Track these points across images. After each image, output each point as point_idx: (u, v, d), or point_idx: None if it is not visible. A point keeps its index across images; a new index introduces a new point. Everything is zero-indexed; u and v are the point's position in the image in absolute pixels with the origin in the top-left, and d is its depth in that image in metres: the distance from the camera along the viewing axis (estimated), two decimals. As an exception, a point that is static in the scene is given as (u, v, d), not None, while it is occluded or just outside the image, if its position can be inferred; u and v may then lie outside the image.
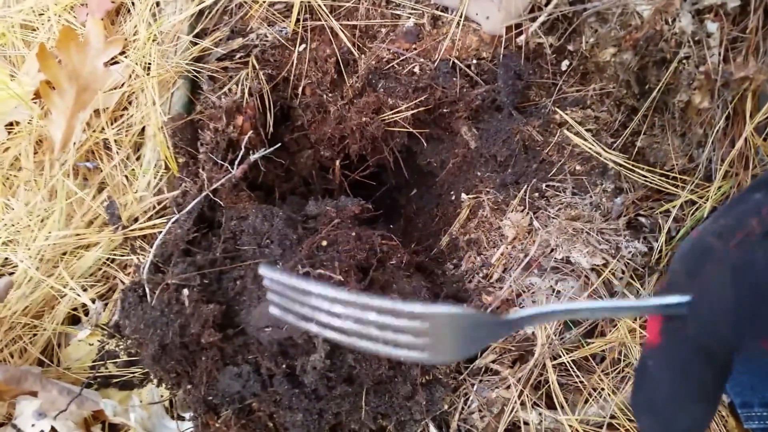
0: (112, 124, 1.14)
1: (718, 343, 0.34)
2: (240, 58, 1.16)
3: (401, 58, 1.14)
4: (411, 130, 1.18)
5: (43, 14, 1.23)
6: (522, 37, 1.08)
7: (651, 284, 1.02)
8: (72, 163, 1.11)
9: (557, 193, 1.09)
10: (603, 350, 1.00)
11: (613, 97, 1.09)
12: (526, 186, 1.10)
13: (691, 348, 0.35)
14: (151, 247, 0.93)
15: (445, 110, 1.18)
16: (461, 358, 0.44)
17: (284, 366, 0.84)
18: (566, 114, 1.11)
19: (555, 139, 1.10)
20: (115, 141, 1.12)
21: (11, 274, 1.08)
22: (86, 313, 1.08)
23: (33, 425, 0.96)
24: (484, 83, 1.15)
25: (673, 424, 0.36)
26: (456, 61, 1.13)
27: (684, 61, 1.00)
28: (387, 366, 0.88)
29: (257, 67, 1.15)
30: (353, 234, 0.93)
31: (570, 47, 1.10)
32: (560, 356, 0.98)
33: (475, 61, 1.13)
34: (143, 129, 1.13)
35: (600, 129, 1.11)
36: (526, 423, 0.96)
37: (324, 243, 0.92)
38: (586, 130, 1.09)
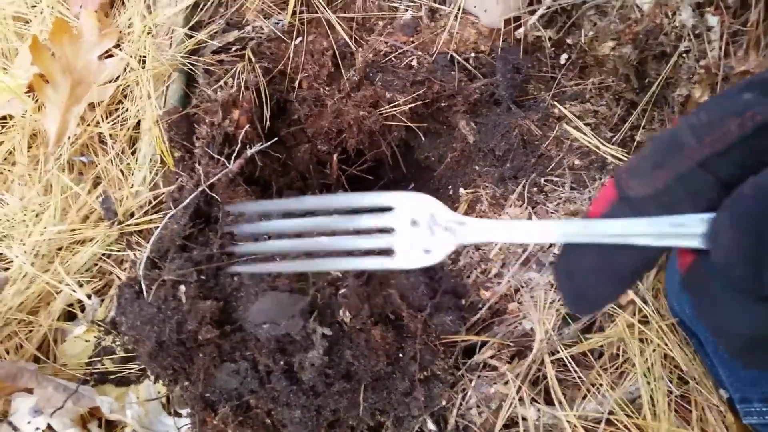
0: (107, 117, 1.13)
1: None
2: (236, 51, 1.15)
3: (399, 52, 1.13)
4: (409, 124, 1.18)
5: (35, 6, 1.22)
6: (521, 30, 1.07)
7: (649, 277, 1.02)
8: (67, 157, 1.10)
9: (556, 187, 1.08)
10: (601, 346, 1.00)
11: (613, 91, 1.08)
12: (524, 180, 1.10)
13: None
14: (148, 242, 0.92)
15: (443, 104, 1.17)
16: (428, 261, 0.42)
17: (282, 363, 0.84)
18: (565, 108, 1.10)
19: (554, 133, 1.09)
20: (110, 135, 1.11)
21: (6, 269, 1.07)
22: (82, 309, 1.07)
23: (29, 422, 0.96)
24: (483, 77, 1.14)
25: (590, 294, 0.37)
26: (454, 54, 1.12)
27: (684, 54, 0.99)
28: (385, 362, 0.87)
29: (253, 60, 1.14)
30: (351, 229, 0.92)
31: (569, 40, 1.09)
32: (558, 352, 0.98)
33: (473, 55, 1.12)
34: (138, 123, 1.12)
35: (599, 123, 1.10)
36: (524, 418, 0.95)
37: (322, 238, 0.91)
38: (585, 124, 1.08)
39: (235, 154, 1.02)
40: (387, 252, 0.42)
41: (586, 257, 0.37)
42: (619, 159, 1.06)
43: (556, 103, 1.11)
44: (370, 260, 0.43)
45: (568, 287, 0.39)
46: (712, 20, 0.95)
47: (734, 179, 0.31)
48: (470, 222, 0.40)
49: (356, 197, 0.43)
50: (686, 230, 0.33)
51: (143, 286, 0.87)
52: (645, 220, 0.34)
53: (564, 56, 1.11)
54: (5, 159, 1.14)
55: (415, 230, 0.42)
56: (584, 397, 0.97)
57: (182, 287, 0.85)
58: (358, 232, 0.44)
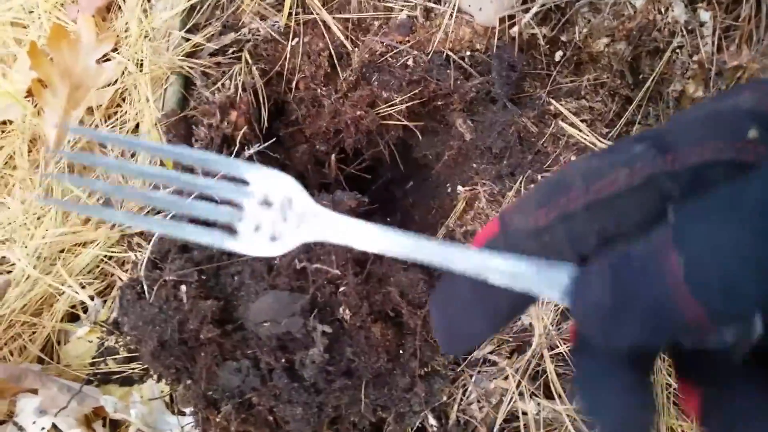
0: (105, 121, 1.14)
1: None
2: (233, 53, 1.16)
3: (395, 51, 1.14)
4: (406, 123, 1.19)
5: (33, 12, 1.23)
6: (515, 29, 1.08)
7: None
8: (67, 160, 1.11)
9: (552, 183, 1.09)
10: (599, 339, 1.00)
11: (607, 88, 1.09)
12: (521, 177, 1.11)
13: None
14: (149, 243, 0.93)
15: (439, 103, 1.18)
16: (272, 251, 0.35)
17: (283, 360, 0.85)
18: (561, 105, 1.11)
19: (550, 130, 1.10)
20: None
21: (9, 272, 1.08)
22: (85, 311, 1.08)
23: (34, 422, 0.97)
24: (479, 75, 1.15)
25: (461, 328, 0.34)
26: (450, 53, 1.13)
27: (677, 50, 1.00)
28: (385, 359, 0.88)
29: (250, 61, 1.15)
30: (350, 228, 0.93)
31: (563, 38, 1.10)
32: (557, 346, 0.99)
33: (468, 53, 1.13)
34: (137, 126, 1.13)
35: (594, 119, 1.11)
36: (524, 413, 0.96)
37: (321, 237, 0.92)
38: (581, 121, 1.09)
39: (233, 155, 1.03)
40: (229, 229, 0.36)
41: (461, 288, 0.34)
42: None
43: (551, 100, 1.12)
44: (207, 234, 0.36)
45: (441, 321, 0.36)
46: (705, 16, 0.96)
47: (616, 234, 0.31)
48: (326, 216, 0.35)
49: (210, 158, 0.37)
50: (548, 277, 0.30)
51: (145, 287, 0.88)
52: (502, 256, 0.31)
53: (559, 53, 1.12)
54: (6, 163, 1.15)
55: (265, 212, 0.36)
56: (583, 390, 0.98)
57: (183, 287, 0.86)
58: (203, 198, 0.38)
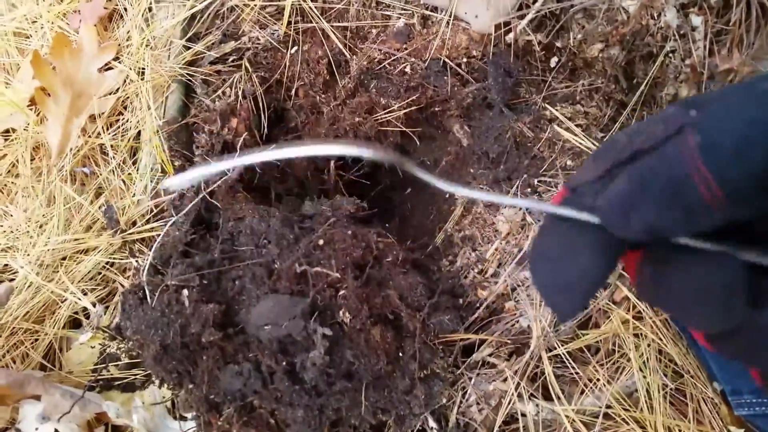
0: (107, 129, 1.15)
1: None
2: (233, 61, 1.17)
3: (392, 58, 1.16)
4: (404, 129, 1.20)
5: (36, 21, 1.24)
6: (511, 35, 1.10)
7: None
8: (69, 168, 1.12)
9: (549, 188, 1.10)
10: (597, 341, 1.01)
11: (602, 92, 1.10)
12: (518, 182, 1.12)
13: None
14: (150, 249, 0.94)
15: (437, 109, 1.19)
16: None
17: (284, 363, 0.86)
18: (556, 110, 1.12)
19: (545, 134, 1.12)
20: (111, 146, 1.13)
21: (11, 280, 1.09)
22: (87, 317, 1.09)
23: (37, 429, 0.97)
24: (475, 81, 1.16)
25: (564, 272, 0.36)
26: (446, 60, 1.14)
27: (670, 54, 1.02)
28: (385, 361, 0.89)
29: (250, 69, 1.17)
30: (349, 233, 0.94)
31: (558, 44, 1.12)
32: (555, 348, 1.00)
33: (465, 60, 1.15)
34: (139, 133, 1.14)
35: (590, 124, 1.12)
36: (523, 414, 0.97)
37: (321, 242, 0.93)
38: (576, 126, 1.11)
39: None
40: None
41: (554, 235, 0.37)
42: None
43: (547, 106, 1.13)
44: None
45: (550, 282, 0.37)
46: (696, 20, 0.98)
47: None
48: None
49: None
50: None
51: (147, 292, 0.89)
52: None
53: (554, 59, 1.14)
54: (9, 171, 1.16)
55: None
56: (582, 391, 0.99)
57: (185, 292, 0.87)
58: None
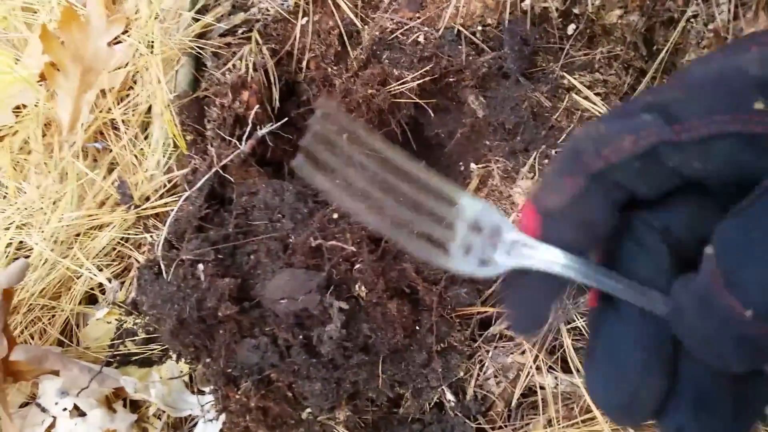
0: (118, 103, 1.14)
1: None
2: (243, 33, 1.15)
3: (405, 28, 1.13)
4: (417, 101, 1.18)
5: (43, -4, 1.23)
6: (527, 2, 1.07)
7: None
8: (81, 144, 1.11)
9: (567, 158, 1.08)
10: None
11: (621, 60, 1.07)
12: (535, 153, 1.10)
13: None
14: (164, 224, 0.94)
15: (451, 79, 1.17)
16: (484, 273, 0.38)
17: (301, 337, 0.85)
18: (574, 78, 1.10)
19: (563, 104, 1.09)
20: (123, 121, 1.12)
21: (27, 257, 1.09)
22: (103, 293, 1.09)
23: (56, 403, 0.98)
24: (490, 50, 1.14)
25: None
26: (461, 28, 1.12)
27: (692, 19, 0.99)
28: (402, 335, 0.89)
29: (260, 41, 1.15)
30: (364, 205, 0.93)
31: (576, 10, 1.09)
32: (574, 320, 0.99)
33: (480, 28, 1.12)
34: (150, 108, 1.13)
35: (609, 92, 1.10)
36: (542, 387, 0.97)
37: (335, 215, 0.92)
38: (595, 94, 1.08)
39: (246, 135, 1.03)
40: (440, 246, 0.39)
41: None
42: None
43: (565, 74, 1.10)
44: (425, 247, 0.38)
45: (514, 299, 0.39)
46: (721, -17, 0.94)
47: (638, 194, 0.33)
48: (537, 246, 0.36)
49: (425, 172, 0.39)
50: (640, 299, 0.33)
51: (162, 267, 0.88)
52: (607, 275, 0.35)
53: (571, 26, 1.11)
54: (21, 148, 1.16)
55: (475, 237, 0.38)
56: (600, 364, 0.98)
57: (200, 266, 0.87)
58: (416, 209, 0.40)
